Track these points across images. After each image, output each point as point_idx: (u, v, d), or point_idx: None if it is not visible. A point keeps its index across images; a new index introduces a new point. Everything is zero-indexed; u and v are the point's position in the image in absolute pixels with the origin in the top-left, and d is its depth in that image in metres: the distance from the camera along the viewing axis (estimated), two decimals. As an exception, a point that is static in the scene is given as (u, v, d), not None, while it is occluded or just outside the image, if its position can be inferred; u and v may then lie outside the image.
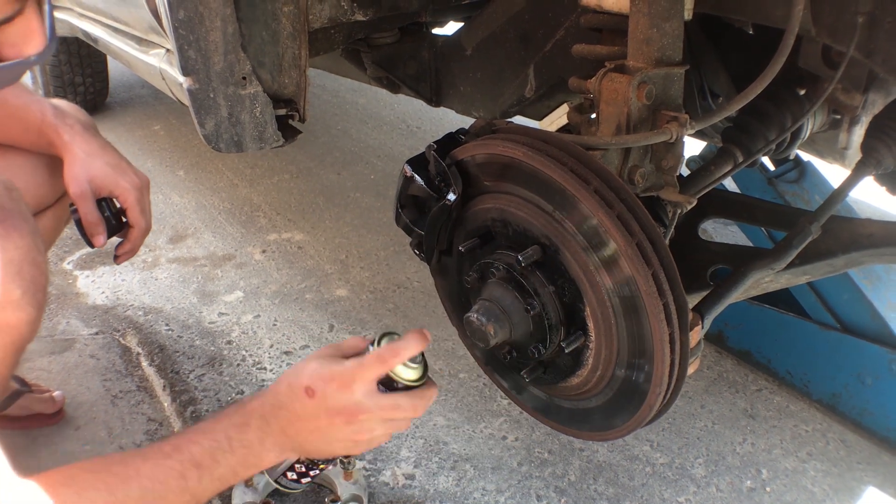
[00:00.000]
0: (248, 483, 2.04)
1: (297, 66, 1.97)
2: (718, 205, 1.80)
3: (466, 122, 1.79)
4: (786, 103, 1.72)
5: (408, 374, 1.35)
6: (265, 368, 2.64)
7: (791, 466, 2.24)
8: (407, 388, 1.35)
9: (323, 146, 4.66)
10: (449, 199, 1.45)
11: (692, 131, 1.42)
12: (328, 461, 1.66)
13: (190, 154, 4.53)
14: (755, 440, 2.35)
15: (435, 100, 2.53)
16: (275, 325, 2.90)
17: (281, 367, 2.65)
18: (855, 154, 1.83)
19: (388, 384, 1.34)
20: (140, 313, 2.96)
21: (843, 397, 2.30)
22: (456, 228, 1.55)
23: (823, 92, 1.62)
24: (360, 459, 2.24)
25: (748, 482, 2.19)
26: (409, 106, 5.31)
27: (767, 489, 2.16)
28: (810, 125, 1.77)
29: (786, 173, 2.48)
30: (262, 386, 2.55)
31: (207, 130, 1.86)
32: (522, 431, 2.40)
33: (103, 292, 3.10)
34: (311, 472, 1.62)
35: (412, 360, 1.34)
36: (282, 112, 2.01)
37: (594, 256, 1.27)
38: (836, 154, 1.91)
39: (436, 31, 2.66)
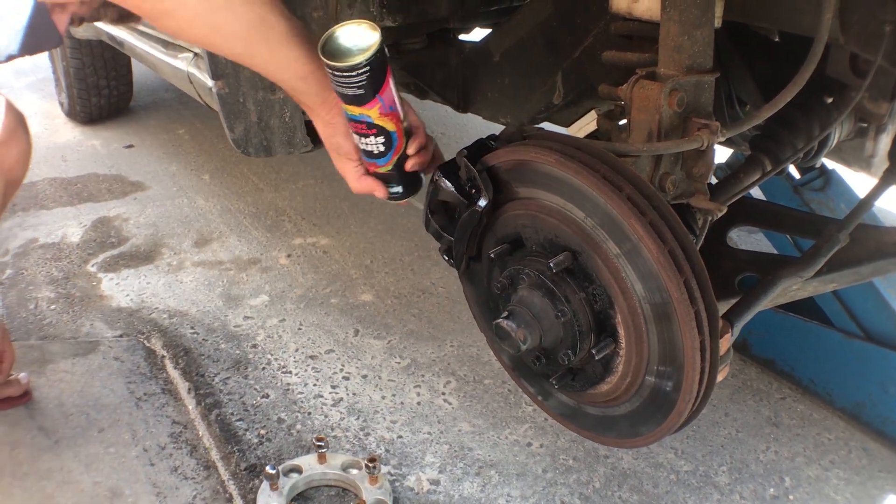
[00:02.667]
0: (273, 486, 2.06)
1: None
2: (746, 212, 1.81)
3: (491, 128, 1.81)
4: (813, 111, 1.72)
5: None
6: (290, 372, 2.66)
7: (814, 475, 2.24)
8: None
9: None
10: (479, 205, 1.47)
11: (722, 139, 1.43)
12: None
13: (215, 158, 4.56)
14: (778, 448, 2.34)
15: (462, 106, 2.55)
16: (300, 329, 2.92)
17: (306, 370, 2.67)
18: (881, 162, 1.84)
19: None
20: (165, 316, 2.99)
21: (867, 406, 2.29)
22: (485, 234, 1.56)
23: (851, 100, 1.62)
24: (385, 465, 2.25)
25: (771, 490, 2.18)
26: (434, 112, 5.32)
27: (790, 497, 2.16)
28: (837, 133, 1.78)
29: (811, 181, 2.47)
30: (288, 390, 2.57)
31: (237, 135, 1.88)
32: (547, 438, 2.41)
33: (128, 295, 3.13)
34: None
35: None
36: (309, 117, 2.03)
37: (626, 263, 1.28)
38: (863, 162, 1.90)
39: (463, 37, 2.68)
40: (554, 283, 1.37)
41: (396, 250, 3.53)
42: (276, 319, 2.98)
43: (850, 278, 1.59)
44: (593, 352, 1.36)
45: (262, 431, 2.38)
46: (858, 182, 2.38)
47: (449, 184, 1.52)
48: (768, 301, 1.45)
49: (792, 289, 1.50)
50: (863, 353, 2.27)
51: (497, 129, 1.56)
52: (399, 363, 2.75)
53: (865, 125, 1.79)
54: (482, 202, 1.46)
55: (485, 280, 1.64)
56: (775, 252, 2.54)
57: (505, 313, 1.43)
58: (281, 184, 4.21)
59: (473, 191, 1.49)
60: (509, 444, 2.39)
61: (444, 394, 2.61)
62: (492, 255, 1.50)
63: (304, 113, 2.00)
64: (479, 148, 1.52)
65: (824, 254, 1.48)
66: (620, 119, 1.63)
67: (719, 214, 1.44)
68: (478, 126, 4.91)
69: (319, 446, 2.17)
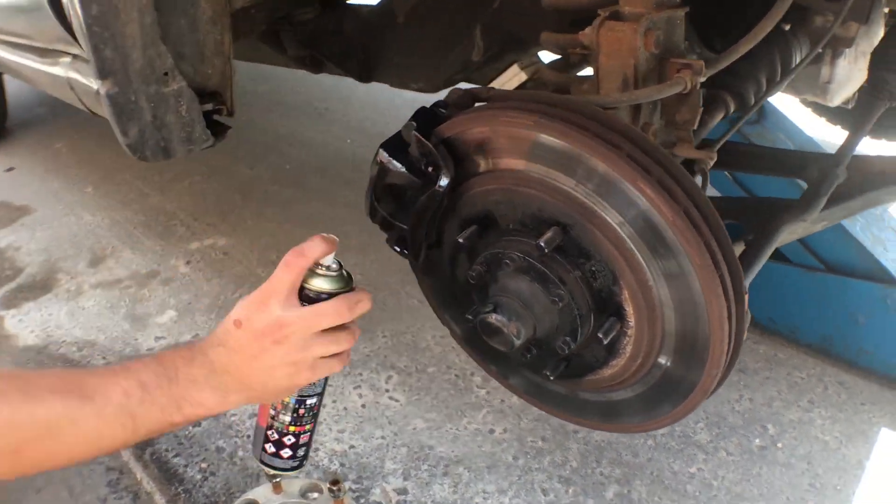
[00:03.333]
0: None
1: (221, 54, 1.74)
2: (723, 157, 1.67)
3: (381, 98, 1.59)
4: (772, 40, 1.59)
5: (323, 283, 1.20)
6: (220, 393, 2.39)
7: (796, 417, 2.16)
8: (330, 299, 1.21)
9: (231, 141, 4.26)
10: (441, 185, 1.26)
11: (704, 79, 1.27)
12: (298, 421, 1.38)
13: (96, 169, 4.16)
14: (752, 395, 2.25)
15: (364, 75, 2.32)
16: (219, 342, 2.64)
17: (236, 388, 2.41)
18: (838, 87, 1.73)
19: (310, 300, 1.19)
20: (74, 349, 2.66)
21: (836, 339, 2.22)
22: (445, 218, 1.35)
23: (812, 23, 1.50)
24: (345, 480, 2.04)
25: (757, 440, 2.09)
26: (315, 88, 5.04)
27: (779, 445, 2.07)
28: (797, 60, 1.65)
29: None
30: (219, 415, 2.31)
31: (131, 139, 1.61)
32: (509, 421, 2.25)
33: (32, 331, 2.78)
34: (286, 440, 1.39)
35: (328, 269, 1.22)
36: (208, 107, 1.77)
37: (631, 232, 1.10)
38: (818, 90, 1.79)
39: (357, 1, 2.44)
40: (544, 264, 1.18)
41: (301, 239, 3.21)
42: (190, 335, 2.70)
43: (840, 214, 1.48)
44: (599, 335, 1.18)
45: (204, 465, 2.12)
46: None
47: (398, 164, 1.30)
48: (773, 247, 1.31)
49: (794, 232, 1.36)
50: (826, 286, 2.19)
51: (406, 96, 1.34)
52: (332, 364, 2.52)
53: (821, 51, 1.67)
54: (444, 181, 1.25)
55: (447, 269, 1.43)
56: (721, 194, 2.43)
57: (490, 306, 1.23)
58: (167, 185, 3.86)
59: (430, 168, 1.28)
60: (471, 434, 2.22)
61: (388, 391, 2.41)
62: (461, 241, 1.29)
63: (202, 104, 1.74)
64: (428, 118, 1.30)
65: (825, 192, 1.35)
66: (578, 69, 1.45)
67: (711, 163, 1.28)
68: (361, 98, 4.70)
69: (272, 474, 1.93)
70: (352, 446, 2.19)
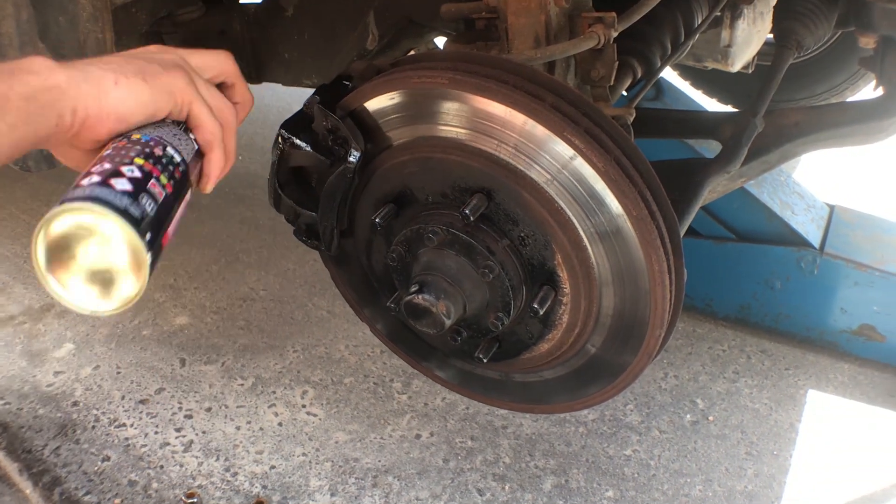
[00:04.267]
0: None
1: (103, 54, 1.61)
2: (643, 123, 1.63)
3: (271, 111, 1.49)
4: (674, 3, 1.57)
5: None
6: (124, 425, 2.22)
7: (723, 389, 2.15)
8: None
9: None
10: (351, 161, 1.16)
11: (616, 33, 1.22)
12: (149, 158, 0.88)
13: (-23, 204, 3.88)
14: (677, 372, 2.23)
15: (255, 75, 2.22)
16: (119, 372, 2.46)
17: (141, 418, 2.24)
18: (738, 51, 1.73)
19: None
20: (-34, 391, 2.44)
21: (753, 307, 2.23)
22: (358, 199, 1.26)
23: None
24: (269, 503, 1.90)
25: (688, 416, 2.06)
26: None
27: (710, 418, 2.05)
28: (699, 21, 1.64)
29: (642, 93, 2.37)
30: (129, 446, 2.13)
31: (15, 150, 1.46)
32: (435, 424, 2.16)
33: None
34: (125, 170, 0.84)
35: None
36: (90, 109, 1.63)
37: (560, 189, 1.04)
38: (718, 54, 1.79)
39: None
40: (471, 235, 1.10)
41: (200, 261, 3.12)
42: (90, 368, 2.50)
43: (759, 169, 1.46)
44: (535, 306, 1.11)
45: (117, 501, 1.96)
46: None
47: (302, 143, 1.20)
48: (699, 204, 1.27)
49: (717, 188, 1.33)
50: (739, 255, 2.19)
51: (294, 108, 1.23)
52: (242, 385, 2.39)
53: (720, 14, 1.67)
54: (354, 155, 1.16)
55: (363, 256, 1.34)
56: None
57: (414, 286, 1.13)
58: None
59: (337, 145, 1.18)
60: (396, 441, 2.12)
61: (304, 406, 2.29)
62: (377, 221, 1.19)
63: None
64: (332, 92, 1.21)
65: (745, 143, 1.32)
66: (484, 37, 1.38)
67: (630, 119, 1.23)
68: (250, 113, 4.53)
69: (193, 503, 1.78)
70: (272, 466, 2.06)
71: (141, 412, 2.28)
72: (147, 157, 0.87)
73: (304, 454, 2.10)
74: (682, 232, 1.25)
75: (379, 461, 2.05)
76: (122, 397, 2.35)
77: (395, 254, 1.19)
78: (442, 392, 2.26)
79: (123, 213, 0.78)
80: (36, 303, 2.92)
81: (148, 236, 0.81)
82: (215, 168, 0.98)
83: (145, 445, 2.14)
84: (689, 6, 1.58)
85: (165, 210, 0.86)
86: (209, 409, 2.29)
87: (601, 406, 2.13)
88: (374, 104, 1.14)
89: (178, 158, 0.91)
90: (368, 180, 1.22)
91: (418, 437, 2.13)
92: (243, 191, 3.70)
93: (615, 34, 1.21)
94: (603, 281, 1.09)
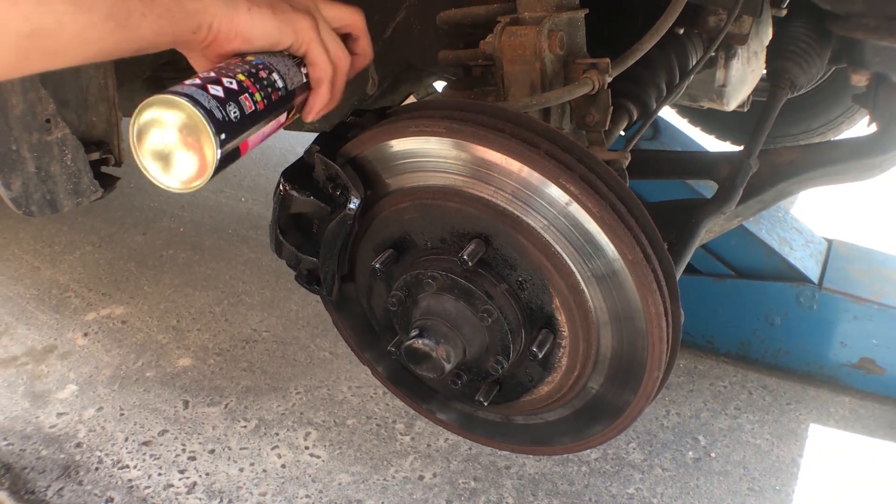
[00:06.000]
0: None
1: (106, 100, 1.64)
2: (640, 164, 1.65)
3: (273, 153, 1.52)
4: (668, 45, 1.60)
5: None
6: (128, 466, 2.22)
7: (725, 425, 2.14)
8: None
9: (120, 208, 4.17)
10: (351, 207, 1.18)
11: (611, 79, 1.25)
12: (252, 77, 1.02)
13: (-22, 246, 3.91)
14: (679, 409, 2.23)
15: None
16: (122, 414, 2.46)
17: (144, 460, 2.24)
18: (733, 90, 1.75)
19: None
20: (-30, 432, 2.44)
21: (754, 343, 2.23)
22: (358, 245, 1.28)
23: (706, 24, 1.51)
24: (271, 545, 1.90)
25: (690, 453, 2.06)
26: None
27: (712, 454, 2.04)
28: (693, 62, 1.67)
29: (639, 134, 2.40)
30: (132, 487, 2.13)
31: (15, 192, 1.49)
32: (438, 465, 2.16)
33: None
34: (225, 81, 0.99)
35: None
36: (95, 156, 1.66)
37: (556, 234, 1.05)
38: (713, 94, 1.81)
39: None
40: (469, 279, 1.12)
41: (203, 303, 3.13)
42: (93, 409, 2.51)
43: (755, 208, 1.47)
44: (534, 350, 1.12)
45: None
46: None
47: (302, 191, 1.22)
48: (696, 245, 1.28)
49: (713, 229, 1.34)
50: (738, 292, 2.21)
51: (297, 150, 1.26)
52: (245, 427, 2.39)
53: (714, 54, 1.69)
54: (354, 202, 1.18)
55: (364, 300, 1.35)
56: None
57: (414, 331, 1.15)
58: (57, 257, 3.65)
59: (337, 192, 1.20)
60: (400, 483, 2.12)
61: (307, 448, 2.29)
62: (377, 267, 1.21)
63: (88, 153, 1.63)
64: (333, 139, 1.23)
65: (740, 184, 1.34)
66: (480, 85, 1.41)
67: (626, 162, 1.25)
68: (252, 154, 4.56)
69: (192, 549, 1.78)
70: (275, 509, 2.05)
71: (144, 454, 2.28)
72: (250, 75, 1.01)
73: (307, 496, 2.09)
74: (679, 274, 1.26)
75: (382, 502, 2.04)
76: (126, 439, 2.35)
77: (395, 298, 1.21)
78: (445, 433, 2.26)
79: (206, 111, 0.93)
80: (39, 344, 2.93)
81: (223, 136, 0.95)
82: (319, 103, 1.12)
83: (149, 487, 2.14)
84: (683, 48, 1.61)
85: (250, 121, 1.00)
86: (212, 451, 2.29)
87: (604, 445, 2.13)
88: (374, 152, 1.16)
89: (280, 84, 1.04)
90: (368, 226, 1.24)
91: (421, 478, 2.12)
92: (246, 232, 3.73)
93: (609, 79, 1.23)
94: (601, 323, 1.10)
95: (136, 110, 0.93)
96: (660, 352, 1.07)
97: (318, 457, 2.25)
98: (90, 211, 4.05)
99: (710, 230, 1.34)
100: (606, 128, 1.25)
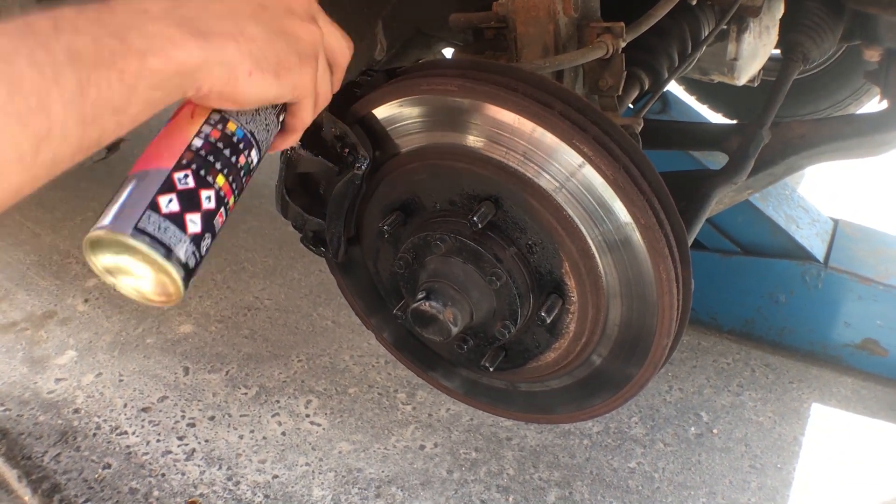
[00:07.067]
0: None
1: None
2: (650, 135, 1.63)
3: None
4: (680, 15, 1.58)
5: None
6: (126, 432, 2.22)
7: (728, 402, 2.14)
8: None
9: (123, 175, 4.12)
10: (359, 167, 1.17)
11: (625, 43, 1.23)
12: (231, 173, 0.83)
13: (-20, 210, 3.88)
14: (681, 385, 2.23)
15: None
16: (121, 380, 2.46)
17: (143, 426, 2.23)
18: (744, 64, 1.73)
19: None
20: (-36, 398, 2.44)
21: (758, 321, 2.22)
22: (364, 206, 1.26)
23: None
24: (271, 511, 1.90)
25: (692, 429, 2.06)
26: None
27: (714, 431, 2.04)
28: (705, 33, 1.64)
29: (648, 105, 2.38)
30: (130, 454, 2.13)
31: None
32: (439, 435, 2.15)
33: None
34: (203, 196, 0.78)
35: None
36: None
37: (569, 197, 1.04)
38: (724, 67, 1.79)
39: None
40: (478, 242, 1.10)
41: (205, 270, 3.11)
42: (92, 375, 2.50)
43: (765, 181, 1.46)
44: (542, 315, 1.11)
45: (116, 510, 1.95)
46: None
47: (309, 151, 1.21)
48: (706, 214, 1.27)
49: (724, 199, 1.33)
50: (744, 269, 2.19)
51: None
52: (246, 394, 2.39)
53: (726, 27, 1.67)
54: (362, 162, 1.16)
55: (371, 264, 1.34)
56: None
57: (421, 293, 1.13)
58: (58, 224, 3.63)
59: (345, 151, 1.19)
60: (400, 452, 2.12)
61: (308, 416, 2.29)
62: (384, 229, 1.20)
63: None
64: (340, 98, 1.21)
65: (752, 154, 1.32)
66: (492, 47, 1.39)
67: (639, 128, 1.24)
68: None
69: (192, 512, 1.78)
70: (275, 476, 2.05)
71: (143, 420, 2.27)
72: (229, 170, 0.82)
73: (307, 464, 2.09)
74: (690, 242, 1.25)
75: (382, 472, 2.04)
76: (125, 405, 2.35)
77: (403, 261, 1.19)
78: (446, 403, 2.26)
79: (183, 266, 0.76)
80: (38, 309, 2.93)
81: (193, 274, 0.79)
82: (283, 146, 0.96)
83: (147, 453, 2.14)
84: (696, 18, 1.59)
85: (215, 235, 0.81)
86: (212, 418, 2.29)
87: (606, 418, 2.13)
88: (383, 111, 1.15)
89: (254, 162, 0.86)
90: (376, 187, 1.22)
91: (422, 447, 2.12)
92: (249, 201, 3.70)
93: (623, 44, 1.21)
94: (610, 289, 1.09)
95: (101, 240, 0.76)
96: (669, 319, 1.06)
97: (319, 425, 2.25)
98: (92, 177, 4.03)
99: (720, 201, 1.32)
100: (619, 93, 1.23)
